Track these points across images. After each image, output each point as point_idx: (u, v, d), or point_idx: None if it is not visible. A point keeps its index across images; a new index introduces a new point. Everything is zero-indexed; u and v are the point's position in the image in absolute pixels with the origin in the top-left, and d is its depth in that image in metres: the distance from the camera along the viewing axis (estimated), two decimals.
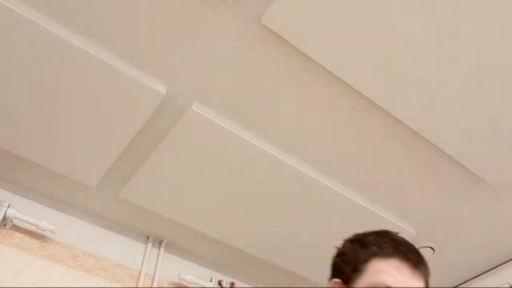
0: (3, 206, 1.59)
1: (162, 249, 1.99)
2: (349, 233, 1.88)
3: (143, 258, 1.92)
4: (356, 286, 0.89)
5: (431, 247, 2.00)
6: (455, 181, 1.68)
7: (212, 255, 2.09)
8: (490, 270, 2.16)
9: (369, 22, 1.21)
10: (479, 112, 1.41)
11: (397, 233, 1.00)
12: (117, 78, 1.37)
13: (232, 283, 2.07)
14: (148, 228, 1.95)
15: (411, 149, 1.57)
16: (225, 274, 2.14)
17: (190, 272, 2.03)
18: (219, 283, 2.03)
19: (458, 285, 2.27)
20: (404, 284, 0.85)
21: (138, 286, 1.82)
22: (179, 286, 1.96)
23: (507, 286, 2.05)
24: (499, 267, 2.12)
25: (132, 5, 1.23)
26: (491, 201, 1.77)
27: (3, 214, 1.57)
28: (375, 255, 0.91)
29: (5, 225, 1.63)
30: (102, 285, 1.76)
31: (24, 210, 1.72)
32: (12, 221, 1.65)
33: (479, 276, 2.19)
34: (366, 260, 0.92)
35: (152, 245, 1.99)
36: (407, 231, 1.87)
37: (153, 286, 1.86)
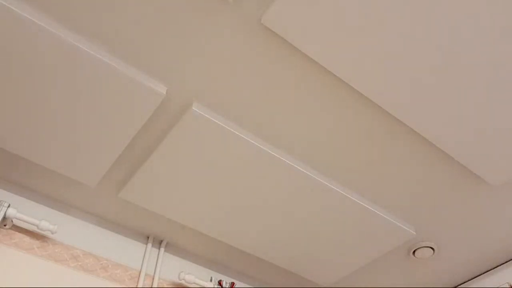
0: (3, 206, 1.59)
1: (162, 249, 1.99)
2: (348, 232, 1.89)
3: (143, 258, 1.93)
4: None
5: (431, 247, 2.00)
6: (455, 181, 1.69)
7: (212, 255, 2.09)
8: (490, 270, 2.16)
9: (369, 22, 1.21)
10: (479, 112, 1.41)
11: None
12: (117, 78, 1.37)
13: (232, 283, 2.07)
14: (148, 228, 1.95)
15: (411, 149, 1.58)
16: (225, 274, 2.14)
17: (190, 272, 2.04)
18: (219, 283, 2.03)
19: (458, 285, 2.28)
20: None
21: (138, 286, 1.82)
22: (179, 286, 1.96)
23: (507, 286, 2.05)
24: (499, 267, 2.13)
25: (132, 5, 1.23)
26: (491, 201, 1.77)
27: (3, 214, 1.57)
28: None
29: (5, 225, 1.63)
30: (102, 285, 1.76)
31: (24, 210, 1.72)
32: (12, 221, 1.65)
33: (479, 276, 2.19)
34: None
35: (152, 245, 1.99)
36: (407, 231, 1.87)
37: (153, 286, 1.87)
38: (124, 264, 1.87)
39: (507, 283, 2.05)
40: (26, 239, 1.67)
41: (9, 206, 1.60)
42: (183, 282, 1.91)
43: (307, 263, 2.08)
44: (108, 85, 1.39)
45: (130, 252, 1.92)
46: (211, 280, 2.03)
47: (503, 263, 2.12)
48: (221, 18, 1.25)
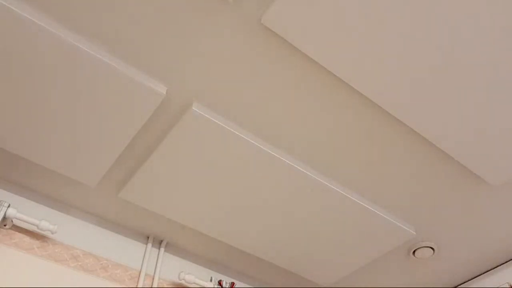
0: (3, 206, 1.59)
1: (162, 249, 1.99)
2: (348, 232, 1.89)
3: (143, 258, 1.93)
4: None
5: (431, 247, 2.00)
6: (455, 181, 1.69)
7: (212, 255, 2.09)
8: (490, 270, 2.16)
9: (369, 22, 1.21)
10: (479, 112, 1.41)
11: None
12: (117, 78, 1.37)
13: (232, 283, 2.07)
14: (148, 228, 1.95)
15: (411, 149, 1.58)
16: (225, 274, 2.14)
17: (190, 272, 2.04)
18: (219, 283, 2.03)
19: (458, 285, 2.27)
20: None
21: (138, 286, 1.82)
22: (179, 286, 1.96)
23: (507, 286, 2.05)
24: (499, 267, 2.13)
25: (132, 5, 1.23)
26: (491, 201, 1.77)
27: (3, 214, 1.57)
28: None
29: (5, 225, 1.63)
30: (102, 285, 1.76)
31: (24, 210, 1.72)
32: (12, 221, 1.65)
33: (479, 276, 2.19)
34: None
35: (152, 245, 1.99)
36: (407, 231, 1.87)
37: (153, 286, 1.87)
38: (124, 264, 1.87)
39: (507, 283, 2.05)
40: (26, 239, 1.67)
41: (9, 206, 1.60)
42: (183, 282, 1.91)
43: (307, 263, 2.08)
44: (108, 85, 1.39)
45: (130, 252, 1.92)
46: (211, 280, 2.03)
47: (503, 263, 2.12)
48: (221, 18, 1.25)
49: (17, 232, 1.67)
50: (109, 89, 1.40)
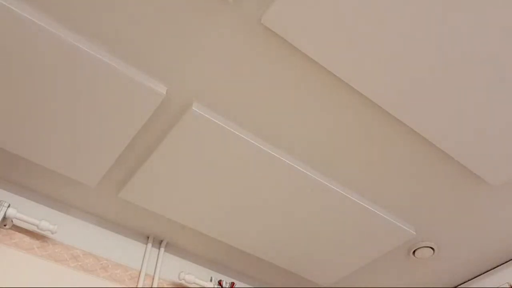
0: (3, 206, 1.59)
1: (162, 249, 1.99)
2: (348, 232, 1.89)
3: (143, 258, 1.93)
4: None
5: (431, 247, 2.00)
6: (455, 181, 1.69)
7: (212, 255, 2.09)
8: (490, 270, 2.16)
9: (369, 22, 1.21)
10: (479, 112, 1.41)
11: None
12: (117, 78, 1.37)
13: (232, 283, 2.07)
14: (148, 228, 1.95)
15: (411, 149, 1.58)
16: (225, 274, 2.14)
17: (190, 272, 2.04)
18: (219, 283, 2.03)
19: (458, 285, 2.28)
20: None
21: (138, 286, 1.82)
22: (179, 286, 1.96)
23: (507, 286, 2.05)
24: (499, 267, 2.13)
25: (132, 5, 1.23)
26: (491, 201, 1.77)
27: (3, 214, 1.57)
28: None
29: (5, 225, 1.63)
30: (102, 285, 1.76)
31: (24, 210, 1.72)
32: (12, 221, 1.65)
33: (479, 276, 2.19)
34: None
35: (152, 245, 1.99)
36: (407, 231, 1.87)
37: (153, 286, 1.87)
38: (124, 264, 1.87)
39: (507, 283, 2.05)
40: (26, 239, 1.67)
41: (9, 206, 1.60)
42: (183, 282, 1.91)
43: (307, 263, 2.08)
44: (108, 85, 1.39)
45: (130, 252, 1.92)
46: (211, 280, 2.04)
47: (503, 263, 2.12)
48: (221, 18, 1.25)
49: (17, 232, 1.67)
50: (109, 89, 1.40)
